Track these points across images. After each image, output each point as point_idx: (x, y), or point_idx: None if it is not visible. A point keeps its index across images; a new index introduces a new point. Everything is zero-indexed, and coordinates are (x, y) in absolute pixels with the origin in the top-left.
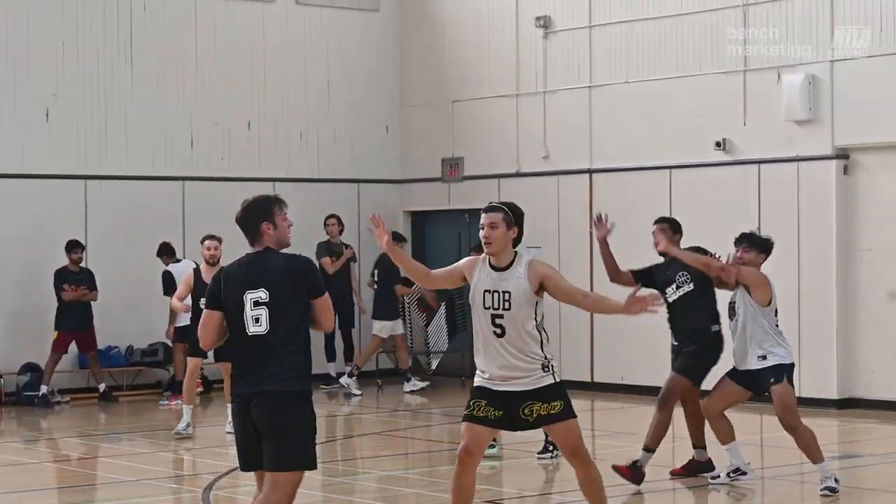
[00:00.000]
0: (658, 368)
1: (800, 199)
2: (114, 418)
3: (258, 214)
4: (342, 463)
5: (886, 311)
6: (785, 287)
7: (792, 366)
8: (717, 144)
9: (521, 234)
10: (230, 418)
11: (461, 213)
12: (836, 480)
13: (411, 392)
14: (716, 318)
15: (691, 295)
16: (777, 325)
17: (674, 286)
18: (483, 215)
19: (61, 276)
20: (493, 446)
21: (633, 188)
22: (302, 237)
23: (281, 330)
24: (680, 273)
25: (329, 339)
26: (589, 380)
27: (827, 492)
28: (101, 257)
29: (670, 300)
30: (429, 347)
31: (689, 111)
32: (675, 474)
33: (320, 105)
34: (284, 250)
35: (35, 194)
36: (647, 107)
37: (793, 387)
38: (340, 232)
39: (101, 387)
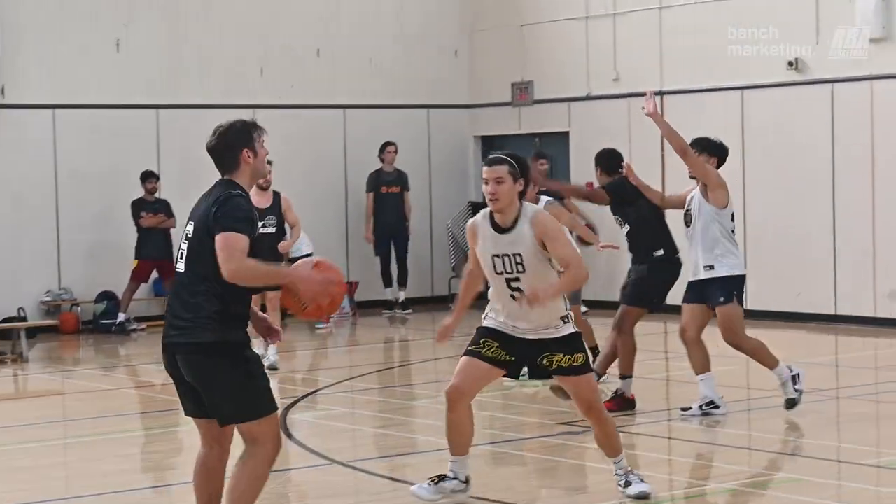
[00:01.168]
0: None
1: (874, 119)
2: None
3: (238, 140)
4: (407, 387)
5: None
6: (859, 207)
7: (742, 278)
8: (790, 64)
9: (527, 186)
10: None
11: (531, 138)
12: (796, 380)
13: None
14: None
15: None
16: (732, 232)
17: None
18: (485, 169)
19: (138, 206)
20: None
21: (705, 109)
22: (370, 165)
23: (192, 270)
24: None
25: (385, 265)
26: None
27: (789, 402)
28: (176, 188)
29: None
30: None
31: (761, 31)
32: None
33: (390, 30)
34: (261, 181)
35: (108, 125)
36: (719, 27)
37: (741, 303)
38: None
39: None
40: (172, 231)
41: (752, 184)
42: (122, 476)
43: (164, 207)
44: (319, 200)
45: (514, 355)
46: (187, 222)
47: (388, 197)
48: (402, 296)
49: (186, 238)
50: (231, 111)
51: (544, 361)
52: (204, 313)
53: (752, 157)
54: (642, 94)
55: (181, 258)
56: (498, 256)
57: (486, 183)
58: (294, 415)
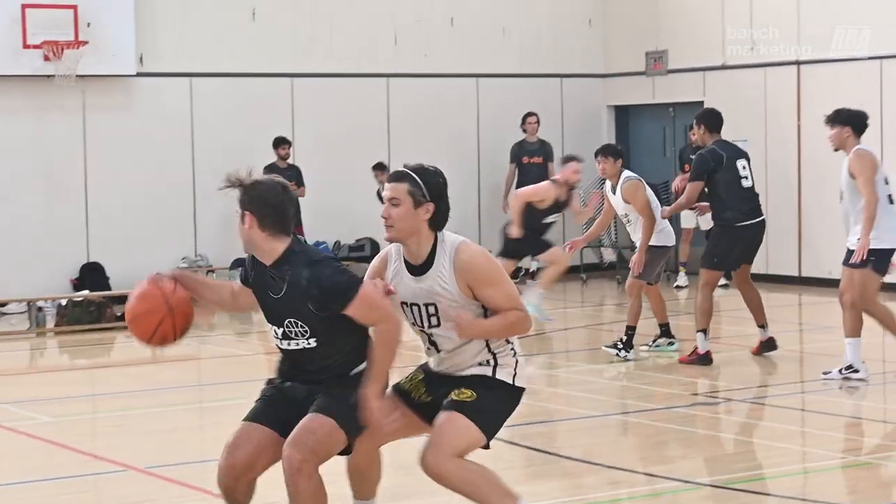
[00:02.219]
0: None
1: None
2: None
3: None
4: (546, 356)
5: None
6: None
7: (888, 251)
8: None
9: (442, 212)
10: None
11: (666, 108)
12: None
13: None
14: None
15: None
16: (890, 200)
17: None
18: (386, 185)
19: (270, 172)
20: (671, 343)
21: (843, 80)
22: (502, 135)
23: None
24: None
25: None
26: (797, 274)
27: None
28: (308, 156)
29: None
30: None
31: None
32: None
33: (523, 0)
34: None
35: (242, 93)
36: None
37: (879, 272)
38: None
39: None
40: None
41: (890, 155)
42: None
43: (295, 174)
44: (452, 170)
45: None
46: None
47: (530, 167)
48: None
49: None
50: (364, 80)
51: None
52: None
53: (890, 128)
54: (779, 64)
55: None
56: (406, 305)
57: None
58: None
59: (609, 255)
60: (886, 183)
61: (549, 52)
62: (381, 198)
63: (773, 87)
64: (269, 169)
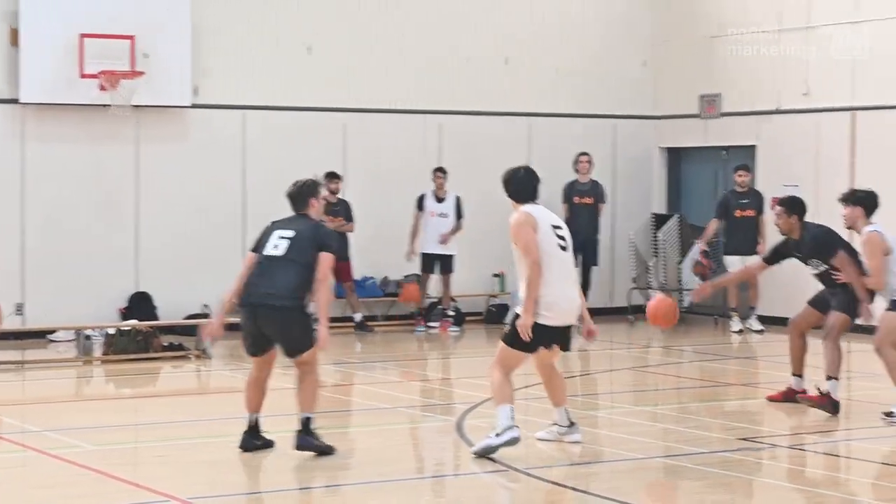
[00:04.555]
0: None
1: None
2: (369, 347)
3: (307, 192)
4: (588, 397)
5: None
6: None
7: None
8: None
9: None
10: None
11: (718, 150)
12: None
13: (739, 332)
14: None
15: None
16: None
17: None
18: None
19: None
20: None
21: None
22: (555, 175)
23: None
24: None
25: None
26: None
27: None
28: (359, 190)
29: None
30: (681, 284)
31: None
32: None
33: (576, 40)
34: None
35: (295, 126)
36: None
37: None
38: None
39: (357, 316)
40: (350, 234)
41: None
42: (297, 473)
43: (344, 210)
44: (503, 210)
45: None
46: (281, 230)
47: (580, 208)
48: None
49: (286, 238)
50: (416, 116)
51: None
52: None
53: None
54: (833, 110)
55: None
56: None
57: None
58: (472, 420)
59: None
60: None
61: (603, 92)
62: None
63: (827, 133)
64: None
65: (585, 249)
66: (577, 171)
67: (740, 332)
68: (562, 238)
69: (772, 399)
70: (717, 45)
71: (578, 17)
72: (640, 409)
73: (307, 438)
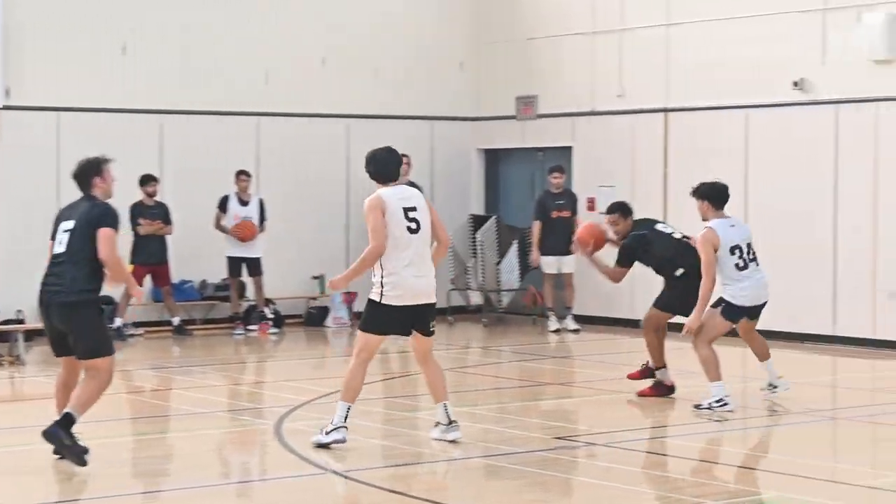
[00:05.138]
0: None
1: (878, 141)
2: (187, 351)
3: (90, 171)
4: (408, 399)
5: None
6: (860, 233)
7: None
8: (795, 84)
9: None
10: None
11: (535, 152)
12: (722, 403)
13: (556, 331)
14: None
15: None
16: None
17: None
18: None
19: (137, 211)
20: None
21: (709, 128)
22: None
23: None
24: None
25: None
26: None
27: (699, 409)
28: (176, 192)
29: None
30: (499, 285)
31: (767, 50)
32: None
33: (395, 41)
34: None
35: (111, 129)
36: (725, 45)
37: (728, 319)
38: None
39: (175, 320)
40: (168, 237)
41: (754, 203)
42: (114, 480)
43: (162, 212)
44: (320, 209)
45: None
46: (64, 220)
47: None
48: None
49: (67, 230)
50: (234, 118)
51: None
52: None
53: (755, 175)
54: (646, 111)
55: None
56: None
57: None
58: (290, 423)
59: (476, 298)
60: (733, 253)
61: (420, 94)
62: (138, 214)
63: (641, 134)
64: (135, 208)
65: None
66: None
67: (557, 331)
68: (413, 221)
69: (632, 377)
70: (533, 47)
71: (396, 18)
72: (459, 409)
73: (59, 431)
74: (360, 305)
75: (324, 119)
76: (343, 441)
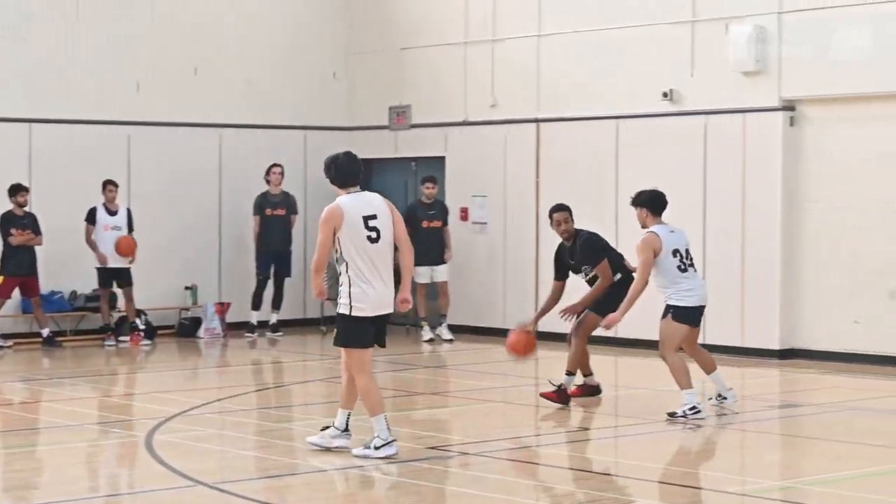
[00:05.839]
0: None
1: (745, 151)
2: (57, 363)
3: None
4: (282, 410)
5: (829, 263)
6: (729, 239)
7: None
8: (665, 95)
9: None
10: None
11: (408, 162)
12: (695, 410)
13: (429, 341)
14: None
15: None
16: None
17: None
18: None
19: (8, 220)
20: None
21: (580, 138)
22: (247, 186)
23: None
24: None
25: (261, 287)
26: None
27: (673, 417)
28: (45, 202)
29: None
30: None
31: (637, 61)
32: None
33: (267, 50)
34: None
35: None
36: (595, 56)
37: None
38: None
39: (45, 332)
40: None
41: (625, 212)
42: None
43: (32, 222)
44: (193, 219)
45: None
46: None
47: (273, 220)
48: (274, 318)
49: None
50: (105, 127)
51: None
52: None
53: (625, 184)
54: (519, 121)
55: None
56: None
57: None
58: (161, 435)
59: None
60: (674, 256)
61: (294, 103)
62: (9, 224)
63: (513, 144)
64: (5, 218)
65: (278, 261)
66: (268, 182)
67: (431, 340)
68: (373, 230)
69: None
70: (406, 57)
71: (269, 27)
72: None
73: None
74: (231, 316)
75: (196, 128)
76: (396, 454)
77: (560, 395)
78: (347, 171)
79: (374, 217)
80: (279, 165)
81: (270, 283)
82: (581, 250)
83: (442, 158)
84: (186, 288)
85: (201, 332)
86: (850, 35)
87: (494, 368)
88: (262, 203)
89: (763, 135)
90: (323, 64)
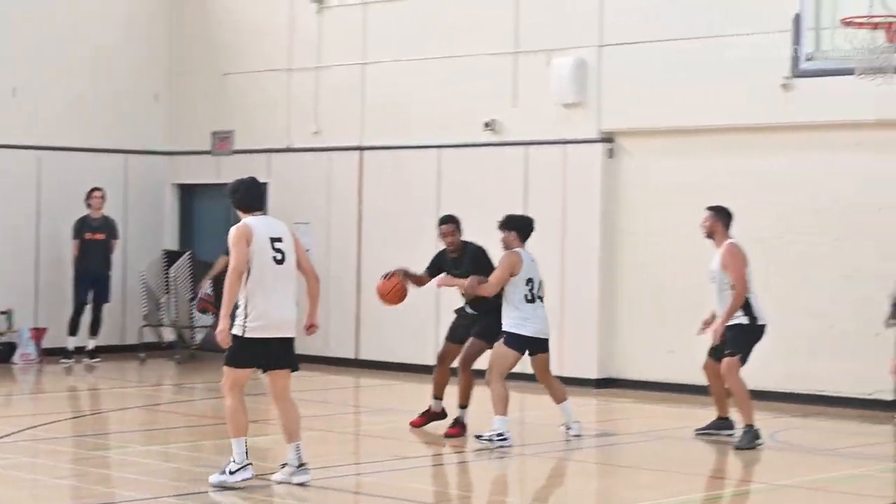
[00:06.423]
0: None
1: (566, 182)
2: None
3: None
4: (98, 437)
5: (644, 292)
6: (549, 269)
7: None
8: (486, 125)
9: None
10: None
11: None
12: (502, 437)
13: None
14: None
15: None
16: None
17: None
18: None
19: None
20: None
21: (403, 166)
22: (66, 209)
23: None
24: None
25: (79, 313)
26: (353, 356)
27: (484, 442)
28: None
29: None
30: (193, 321)
31: (460, 91)
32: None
33: (88, 72)
34: None
35: None
36: (418, 85)
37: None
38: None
39: None
40: None
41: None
42: None
43: None
44: (10, 244)
45: None
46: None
47: (92, 244)
48: (91, 343)
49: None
50: None
51: None
52: None
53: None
54: (343, 149)
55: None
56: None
57: None
58: None
59: (169, 335)
60: (527, 284)
61: (115, 126)
62: None
63: (337, 171)
64: None
65: (97, 286)
66: (89, 206)
67: None
68: (279, 251)
69: (414, 424)
70: (230, 82)
71: (90, 47)
72: (151, 448)
73: None
74: (48, 342)
75: (14, 150)
76: (252, 477)
77: (460, 428)
78: (254, 195)
79: (279, 240)
80: (100, 189)
81: (88, 308)
82: (472, 262)
83: (265, 184)
84: (1, 312)
85: (16, 358)
86: (666, 69)
87: (317, 396)
88: (82, 227)
89: (583, 165)
90: (145, 86)
